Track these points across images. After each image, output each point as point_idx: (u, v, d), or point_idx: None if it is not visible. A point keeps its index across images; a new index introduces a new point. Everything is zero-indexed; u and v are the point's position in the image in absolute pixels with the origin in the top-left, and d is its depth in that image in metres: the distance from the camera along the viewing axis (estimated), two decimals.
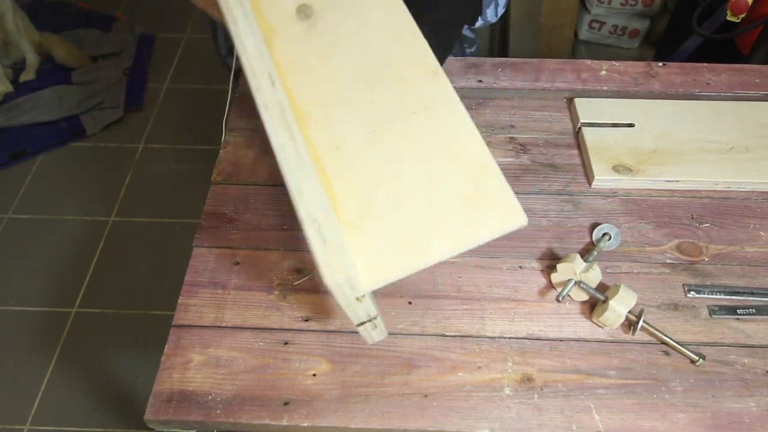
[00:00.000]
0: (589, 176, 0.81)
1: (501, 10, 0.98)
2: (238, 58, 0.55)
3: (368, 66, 0.55)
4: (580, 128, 0.85)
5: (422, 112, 0.52)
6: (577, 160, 0.83)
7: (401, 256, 0.46)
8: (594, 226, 0.76)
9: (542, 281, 0.71)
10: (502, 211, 0.47)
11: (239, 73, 0.91)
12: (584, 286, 0.67)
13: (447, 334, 0.67)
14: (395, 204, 0.48)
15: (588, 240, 0.75)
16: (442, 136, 0.51)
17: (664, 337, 0.65)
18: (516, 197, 0.47)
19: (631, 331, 0.67)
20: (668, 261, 0.73)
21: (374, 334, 0.54)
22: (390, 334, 0.67)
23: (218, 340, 0.67)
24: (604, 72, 0.93)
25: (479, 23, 1.00)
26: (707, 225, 0.76)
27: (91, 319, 1.56)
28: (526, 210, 0.50)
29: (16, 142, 1.91)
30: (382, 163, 0.50)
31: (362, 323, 0.51)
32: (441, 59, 0.61)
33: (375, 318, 0.52)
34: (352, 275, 0.43)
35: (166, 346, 0.66)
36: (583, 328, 0.68)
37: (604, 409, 0.62)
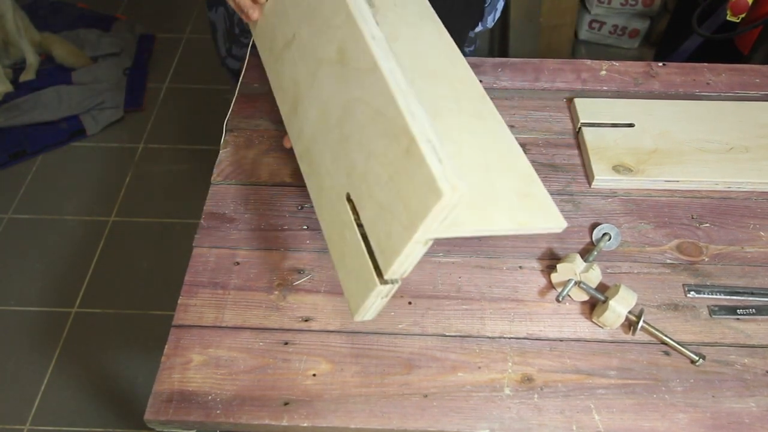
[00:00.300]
0: (589, 176, 0.81)
1: (497, 15, 1.01)
2: (246, 59, 0.55)
3: (425, 67, 0.60)
4: (580, 128, 0.85)
5: (477, 119, 0.57)
6: (577, 160, 0.83)
7: (469, 216, 0.49)
8: (594, 226, 0.76)
9: (542, 281, 0.71)
10: (548, 213, 0.53)
11: (241, 72, 0.91)
12: (584, 286, 0.67)
13: (447, 334, 0.67)
14: (461, 174, 0.52)
15: (588, 240, 0.75)
16: (494, 143, 0.56)
17: (664, 337, 0.65)
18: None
19: (631, 331, 0.67)
20: (668, 261, 0.73)
21: (378, 305, 0.52)
22: (390, 334, 0.67)
23: (218, 341, 0.67)
24: (604, 72, 0.93)
25: (479, 28, 1.02)
26: (707, 225, 0.76)
27: (91, 319, 1.55)
28: None
29: (16, 142, 1.90)
30: (446, 142, 0.54)
31: (387, 283, 0.50)
32: None
33: (396, 284, 0.51)
34: (462, 198, 0.43)
35: (166, 346, 0.66)
36: (583, 328, 0.68)
37: (604, 409, 0.62)
